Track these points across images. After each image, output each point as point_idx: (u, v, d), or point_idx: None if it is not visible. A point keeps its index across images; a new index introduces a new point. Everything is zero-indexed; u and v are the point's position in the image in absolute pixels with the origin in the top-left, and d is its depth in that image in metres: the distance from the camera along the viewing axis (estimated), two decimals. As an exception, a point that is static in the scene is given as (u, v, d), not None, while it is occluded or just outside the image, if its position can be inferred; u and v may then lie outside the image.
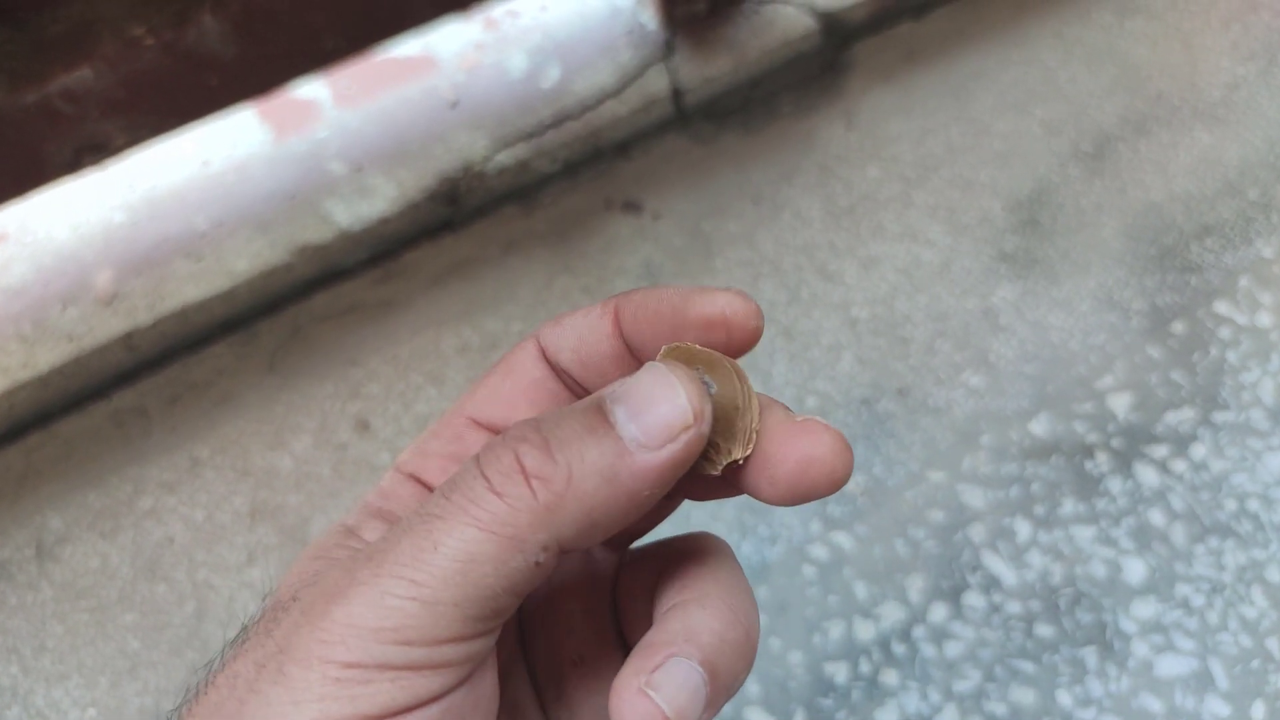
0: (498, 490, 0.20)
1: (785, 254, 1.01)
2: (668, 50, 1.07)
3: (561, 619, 0.26)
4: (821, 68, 1.13)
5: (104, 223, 0.97)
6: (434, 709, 0.20)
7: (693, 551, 0.25)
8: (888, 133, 1.08)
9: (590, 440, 0.21)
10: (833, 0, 1.10)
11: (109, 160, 0.83)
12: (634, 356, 0.26)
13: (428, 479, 0.26)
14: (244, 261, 0.94)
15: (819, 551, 0.87)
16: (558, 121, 1.01)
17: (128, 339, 0.91)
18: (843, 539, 0.87)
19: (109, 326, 0.90)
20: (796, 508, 0.88)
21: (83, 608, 0.85)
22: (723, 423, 0.23)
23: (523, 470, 0.20)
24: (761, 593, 0.85)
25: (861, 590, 0.84)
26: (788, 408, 0.24)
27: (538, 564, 0.20)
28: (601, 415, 0.21)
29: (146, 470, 0.91)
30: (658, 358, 0.24)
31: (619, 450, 0.21)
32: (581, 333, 0.26)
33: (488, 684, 0.22)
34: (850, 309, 0.98)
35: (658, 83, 1.04)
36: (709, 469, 0.23)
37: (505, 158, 0.99)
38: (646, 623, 0.24)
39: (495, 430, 0.26)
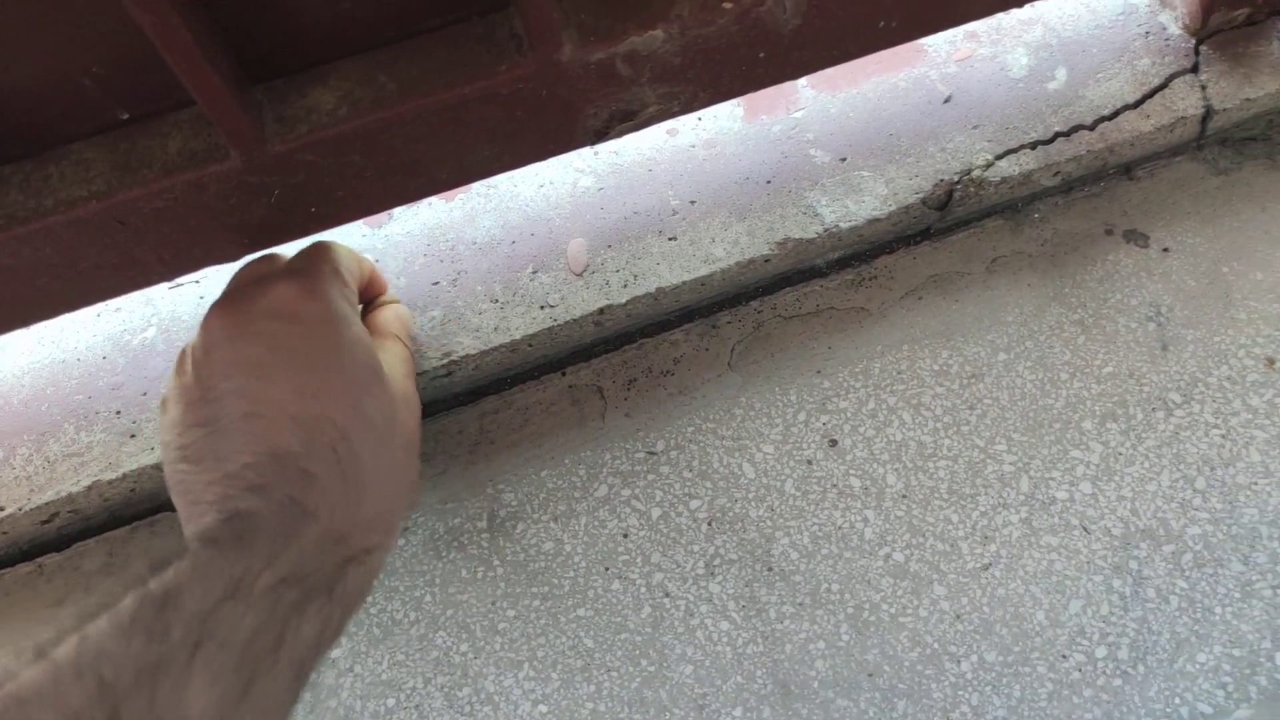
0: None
1: (1325, 315, 0.86)
2: (1195, 62, 0.93)
3: None
4: (1361, 97, 0.96)
5: (570, 186, 0.93)
6: None
7: None
8: None
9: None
10: (1401, 19, 0.93)
11: (630, 132, 0.78)
12: None
13: None
14: (722, 248, 0.87)
15: (1377, 682, 0.73)
16: (1070, 131, 0.90)
17: (600, 315, 0.86)
18: (1406, 671, 0.73)
19: (583, 300, 0.86)
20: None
21: (535, 593, 0.81)
22: None
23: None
24: (1303, 718, 0.72)
25: None
26: None
27: None
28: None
29: (601, 455, 0.86)
30: None
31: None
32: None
33: None
34: None
35: (1188, 99, 0.91)
36: None
37: (1009, 166, 0.89)
38: None
39: None
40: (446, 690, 0.79)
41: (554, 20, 0.66)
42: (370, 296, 0.79)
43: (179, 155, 0.68)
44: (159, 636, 0.42)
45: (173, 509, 0.88)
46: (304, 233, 0.76)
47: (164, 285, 0.93)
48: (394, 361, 0.71)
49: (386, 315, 0.77)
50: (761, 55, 0.75)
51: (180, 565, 0.47)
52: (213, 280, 0.93)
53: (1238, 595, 0.77)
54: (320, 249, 0.71)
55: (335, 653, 0.81)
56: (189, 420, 0.57)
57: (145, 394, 0.88)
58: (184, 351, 0.63)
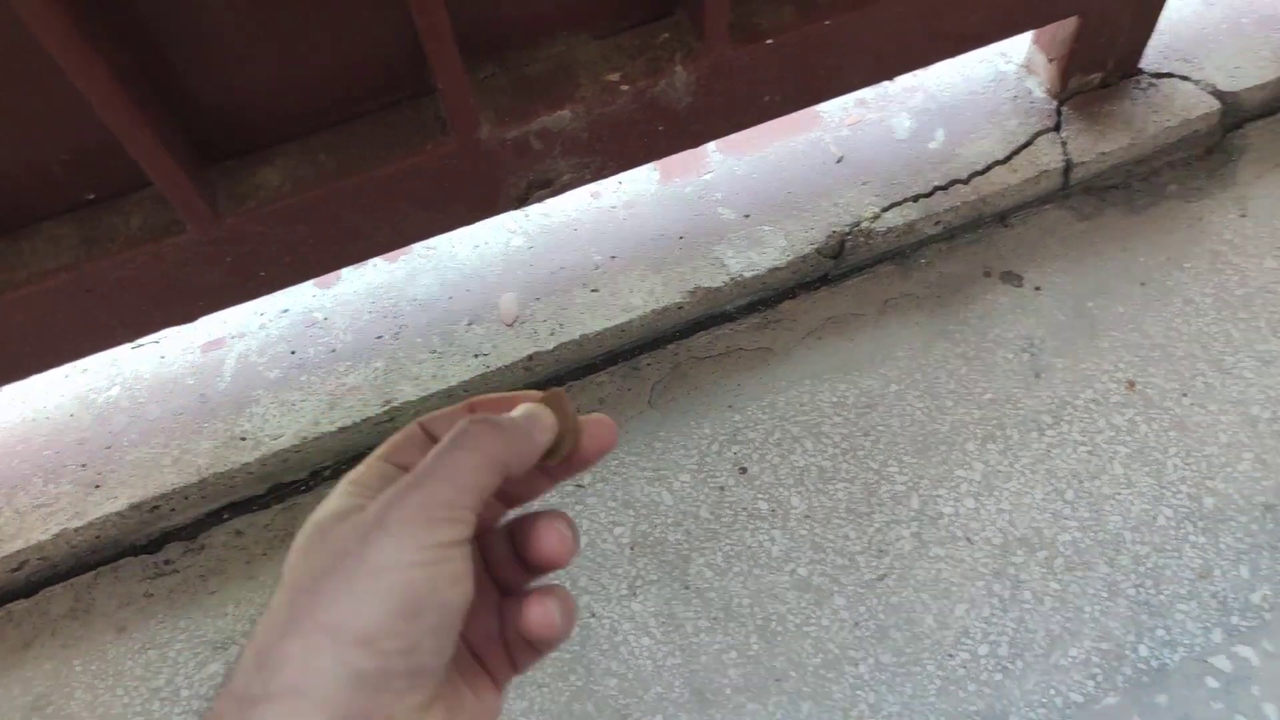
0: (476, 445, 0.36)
1: (1177, 342, 0.97)
2: (1057, 121, 1.05)
3: None
4: (1207, 149, 1.08)
5: (503, 246, 1.02)
6: (466, 546, 0.33)
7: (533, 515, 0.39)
8: (1286, 223, 1.03)
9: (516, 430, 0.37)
10: (1235, 80, 1.05)
11: (549, 197, 0.87)
12: None
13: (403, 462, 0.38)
14: (639, 297, 0.96)
15: (1223, 663, 0.82)
16: (948, 185, 1.00)
17: (529, 360, 0.94)
18: (1249, 653, 0.82)
19: (513, 348, 0.94)
20: (1197, 614, 0.84)
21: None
22: (563, 433, 0.38)
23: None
24: (1160, 700, 0.81)
25: (1273, 713, 0.80)
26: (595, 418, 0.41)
27: (505, 474, 0.35)
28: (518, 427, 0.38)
29: (534, 490, 0.94)
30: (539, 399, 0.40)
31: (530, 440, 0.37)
32: (450, 423, 0.39)
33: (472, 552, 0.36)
34: (1250, 407, 0.93)
35: (1050, 154, 1.02)
36: (556, 457, 0.38)
37: (894, 217, 0.99)
38: (507, 561, 0.39)
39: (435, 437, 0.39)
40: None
41: (470, 105, 0.75)
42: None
43: (140, 230, 0.77)
44: None
45: (134, 554, 0.95)
46: (253, 295, 0.84)
47: (128, 346, 1.00)
48: None
49: None
50: (661, 128, 0.85)
51: None
52: (171, 340, 1.01)
53: (1105, 595, 0.86)
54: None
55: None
56: None
57: (109, 448, 0.95)
58: None
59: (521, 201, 0.86)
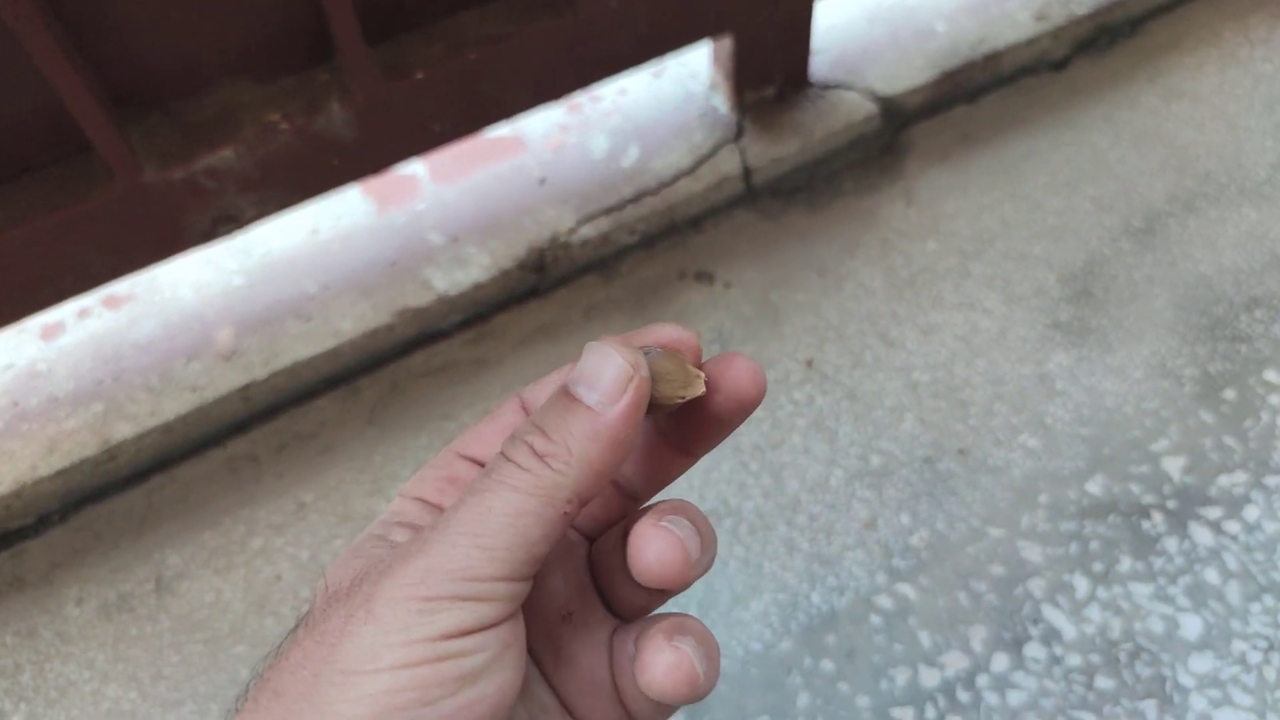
0: (525, 468, 0.27)
1: (850, 322, 1.07)
2: (739, 132, 1.15)
3: (549, 585, 0.32)
4: (881, 149, 1.21)
5: (224, 285, 1.07)
6: (491, 633, 0.26)
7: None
8: (945, 209, 1.15)
9: (571, 418, 0.28)
10: (892, 86, 1.18)
11: (238, 231, 0.93)
12: None
13: (429, 499, 0.32)
14: (349, 322, 1.02)
15: (885, 601, 0.91)
16: (637, 197, 1.10)
17: (244, 391, 0.99)
18: (908, 590, 0.91)
19: (228, 379, 0.99)
20: (863, 560, 0.93)
21: (198, 639, 0.92)
22: (670, 374, 0.30)
23: (535, 453, 0.27)
24: (829, 640, 0.89)
25: (926, 639, 0.89)
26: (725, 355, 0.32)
27: (565, 514, 0.27)
28: (570, 397, 0.28)
29: (257, 512, 0.98)
30: None
31: (591, 416, 0.28)
32: (552, 386, 0.33)
33: (523, 623, 0.28)
34: (912, 373, 1.04)
35: (729, 162, 1.12)
36: (668, 406, 0.30)
37: (589, 230, 1.08)
38: (621, 577, 0.31)
39: (479, 462, 0.32)
40: (117, 738, 0.88)
41: (125, 152, 0.80)
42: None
43: None
44: None
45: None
46: (-56, 347, 0.87)
47: None
48: None
49: None
50: (335, 161, 0.92)
51: None
52: (-107, 404, 1.02)
53: (783, 552, 0.95)
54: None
55: (14, 718, 0.90)
56: None
57: None
58: None
59: (209, 236, 0.91)
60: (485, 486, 0.27)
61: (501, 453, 0.28)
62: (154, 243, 0.89)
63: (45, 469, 0.95)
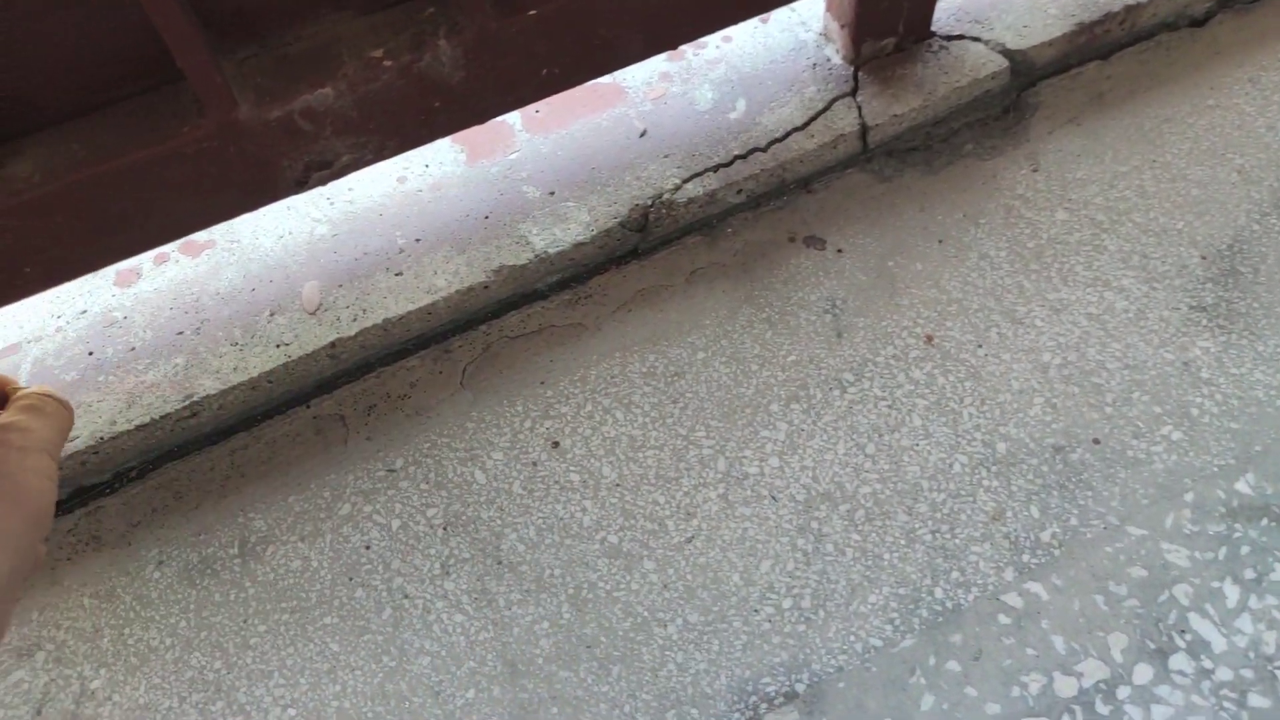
0: None
1: (972, 295, 1.00)
2: (854, 86, 1.07)
3: None
4: (1004, 108, 1.12)
5: (307, 234, 1.01)
6: None
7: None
8: (1075, 176, 1.07)
9: None
10: (1023, 39, 1.09)
11: (331, 180, 0.86)
12: None
13: None
14: (443, 279, 0.96)
15: (1014, 600, 0.85)
16: (747, 153, 1.02)
17: (332, 348, 0.93)
18: (1039, 589, 0.85)
19: (315, 336, 0.93)
20: (990, 555, 0.86)
21: (284, 608, 0.88)
22: None
23: None
24: (955, 639, 0.83)
25: (1060, 644, 0.83)
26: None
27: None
28: None
29: (345, 477, 0.93)
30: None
31: None
32: None
33: None
34: (1040, 354, 0.97)
35: (846, 119, 1.04)
36: None
37: (695, 188, 1.00)
38: None
39: None
40: (201, 706, 0.84)
41: (221, 84, 0.74)
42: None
43: (-113, 230, 0.74)
44: None
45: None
46: (25, 293, 0.82)
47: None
48: None
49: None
50: (437, 104, 0.85)
51: None
52: (-35, 349, 0.98)
53: (903, 542, 0.89)
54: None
55: (94, 683, 0.86)
56: None
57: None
58: None
59: (301, 185, 0.85)
60: None
61: None
62: (244, 189, 0.83)
63: (124, 423, 0.91)
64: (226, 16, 0.76)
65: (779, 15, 1.13)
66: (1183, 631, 0.81)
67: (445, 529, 0.91)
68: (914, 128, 1.08)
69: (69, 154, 0.75)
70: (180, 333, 0.95)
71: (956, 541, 0.88)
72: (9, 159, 0.75)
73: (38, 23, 0.69)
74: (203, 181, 0.80)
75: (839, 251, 1.03)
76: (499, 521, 0.91)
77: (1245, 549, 0.84)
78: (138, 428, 0.91)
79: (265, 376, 0.92)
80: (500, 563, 0.89)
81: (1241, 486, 0.87)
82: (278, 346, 0.93)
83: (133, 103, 0.78)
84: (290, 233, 1.01)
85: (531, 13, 0.81)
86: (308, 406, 0.97)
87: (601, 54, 0.89)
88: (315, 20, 0.80)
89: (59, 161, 0.75)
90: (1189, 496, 0.87)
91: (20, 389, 0.53)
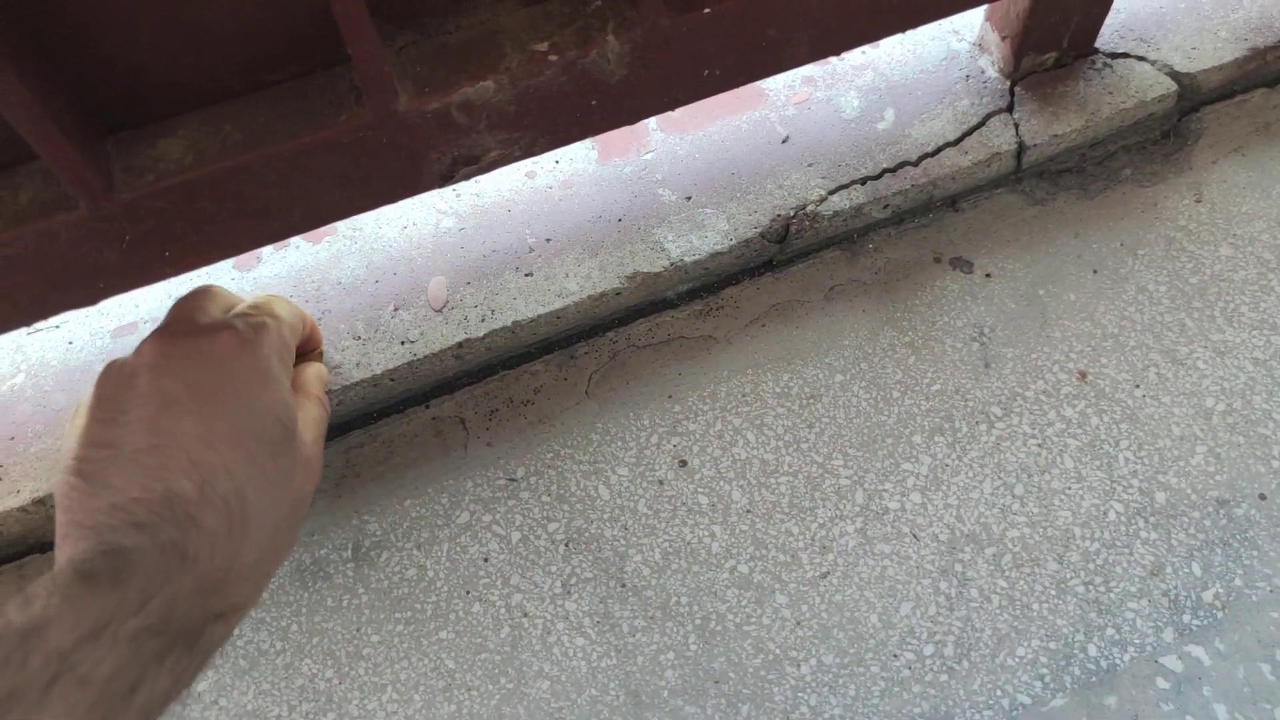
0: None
1: (1129, 331, 0.94)
2: (1011, 102, 1.01)
3: None
4: (1164, 133, 1.06)
5: (433, 227, 0.97)
6: None
7: None
8: (1241, 210, 1.00)
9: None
10: (1192, 61, 1.03)
11: (476, 175, 0.82)
12: None
13: None
14: (575, 282, 0.92)
15: (1174, 664, 0.80)
16: (896, 167, 0.97)
17: (459, 349, 0.90)
18: (1200, 653, 0.80)
19: (442, 335, 0.90)
20: (1148, 613, 0.81)
21: (398, 618, 0.84)
22: None
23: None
24: (1109, 701, 0.78)
25: (1223, 714, 0.77)
26: None
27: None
28: None
29: (464, 483, 0.90)
30: None
31: None
32: None
33: None
34: (1204, 399, 0.91)
35: (1002, 136, 0.99)
36: None
37: (841, 201, 0.95)
38: None
39: None
40: (311, 717, 0.81)
41: (386, 73, 0.70)
42: (304, 351, 0.75)
43: (30, 205, 0.71)
44: (17, 666, 0.42)
45: (42, 551, 0.90)
46: (160, 276, 0.79)
47: (24, 331, 0.94)
48: (308, 423, 0.66)
49: (309, 374, 0.72)
50: (594, 103, 0.81)
51: (50, 597, 0.46)
52: (80, 325, 0.95)
53: (1053, 592, 0.83)
54: (272, 303, 0.67)
55: (200, 686, 0.83)
56: (93, 437, 0.54)
57: (13, 438, 0.89)
58: (110, 365, 0.59)
59: (446, 179, 0.81)
60: None
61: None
62: (391, 181, 0.79)
63: (243, 414, 0.87)
64: (388, 1, 0.72)
65: (926, 22, 1.08)
66: (1367, 714, 0.76)
67: (567, 545, 0.87)
68: (1069, 149, 1.02)
69: (221, 137, 0.72)
70: (301, 323, 0.92)
71: (1112, 596, 0.83)
72: (160, 137, 0.72)
73: (198, 1, 0.66)
74: (352, 172, 0.76)
75: (987, 276, 0.98)
76: (623, 541, 0.87)
77: None
78: (256, 420, 0.87)
79: (388, 374, 0.89)
80: (624, 585, 0.85)
81: None
82: (402, 344, 0.89)
83: (285, 87, 0.74)
84: (415, 224, 0.97)
85: (706, 10, 0.76)
86: (426, 407, 0.93)
87: (766, 56, 0.84)
88: (476, 9, 0.76)
89: (211, 145, 0.71)
90: (1371, 566, 0.81)
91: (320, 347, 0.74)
